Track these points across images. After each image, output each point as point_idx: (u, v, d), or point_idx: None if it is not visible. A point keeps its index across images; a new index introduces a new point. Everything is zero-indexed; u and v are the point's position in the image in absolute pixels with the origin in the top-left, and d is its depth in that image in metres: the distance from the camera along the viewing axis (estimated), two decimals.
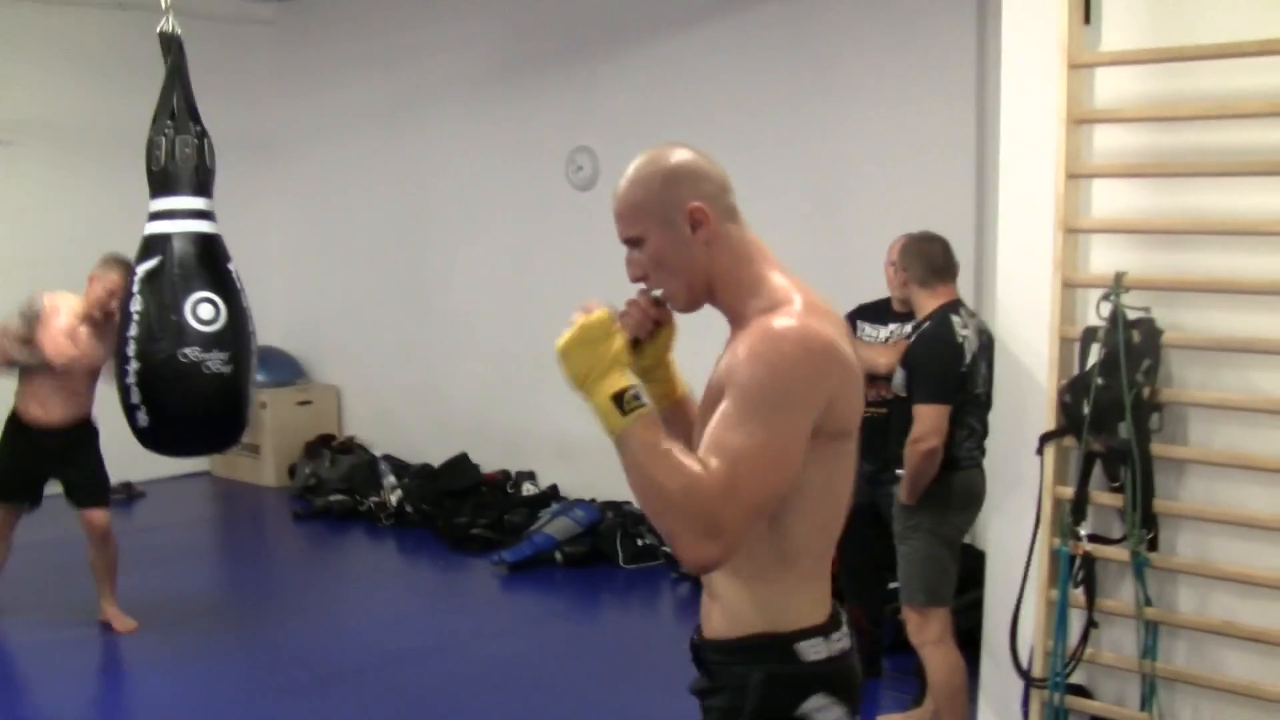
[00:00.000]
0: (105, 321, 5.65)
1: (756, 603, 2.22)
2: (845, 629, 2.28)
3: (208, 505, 9.48)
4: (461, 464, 8.54)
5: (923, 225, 5.18)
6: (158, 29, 5.42)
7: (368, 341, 9.57)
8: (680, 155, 2.29)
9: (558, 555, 7.22)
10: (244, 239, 5.60)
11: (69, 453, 5.93)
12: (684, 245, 2.23)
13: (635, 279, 2.30)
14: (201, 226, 5.27)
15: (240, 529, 8.86)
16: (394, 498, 8.36)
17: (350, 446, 9.34)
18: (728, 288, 2.24)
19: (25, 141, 8.69)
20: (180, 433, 5.14)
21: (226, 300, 5.01)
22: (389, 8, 9.14)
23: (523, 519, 7.64)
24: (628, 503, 7.51)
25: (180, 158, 5.34)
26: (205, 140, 5.40)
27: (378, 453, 9.22)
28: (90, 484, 6.01)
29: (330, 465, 9.00)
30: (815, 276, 6.32)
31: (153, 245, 5.06)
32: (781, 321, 2.10)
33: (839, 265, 6.62)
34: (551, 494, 8.03)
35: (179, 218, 5.20)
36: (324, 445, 9.35)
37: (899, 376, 4.59)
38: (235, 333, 4.94)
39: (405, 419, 9.33)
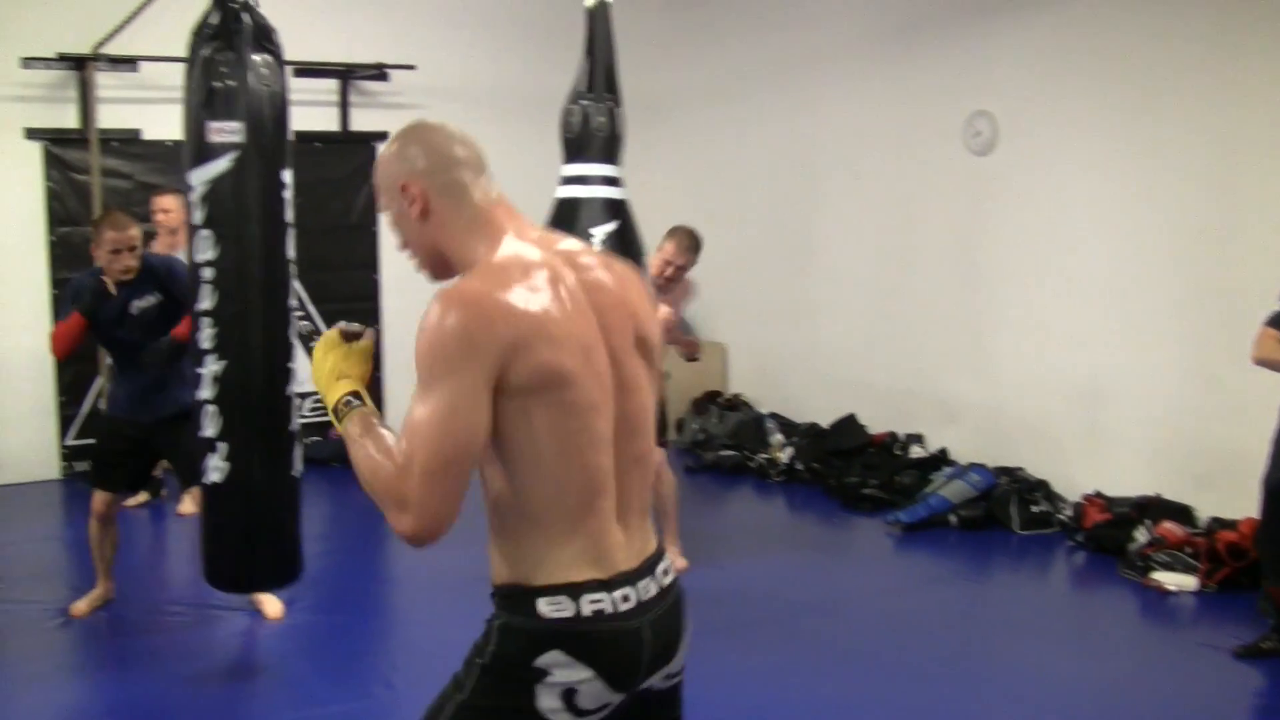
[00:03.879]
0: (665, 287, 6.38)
1: (505, 558, 2.29)
2: (621, 594, 2.29)
3: None
4: (849, 424, 8.77)
5: None
6: (586, 3, 5.85)
7: (753, 300, 9.89)
8: (410, 132, 2.40)
9: (952, 518, 7.43)
10: (630, 197, 6.00)
11: None
12: (404, 218, 2.37)
13: (399, 249, 2.45)
14: (609, 193, 5.78)
15: None
16: (785, 455, 8.68)
17: (736, 404, 9.74)
18: (454, 263, 2.35)
19: (437, 106, 9.35)
20: None
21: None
22: None
23: (913, 481, 7.85)
24: (1021, 468, 7.64)
25: (594, 127, 5.82)
26: (619, 110, 5.85)
27: (763, 410, 9.54)
28: None
29: (718, 421, 9.38)
30: (1232, 248, 6.19)
31: (610, 209, 5.58)
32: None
33: (1259, 236, 6.53)
34: (941, 457, 8.17)
35: (582, 183, 5.72)
36: (711, 401, 9.75)
37: None
38: None
39: (789, 378, 9.62)
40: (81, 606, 5.90)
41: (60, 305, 8.36)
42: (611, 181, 6.00)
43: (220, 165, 4.58)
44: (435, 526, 2.12)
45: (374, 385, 9.60)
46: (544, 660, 2.22)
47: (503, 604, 2.30)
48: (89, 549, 5.98)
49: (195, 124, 4.60)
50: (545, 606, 2.23)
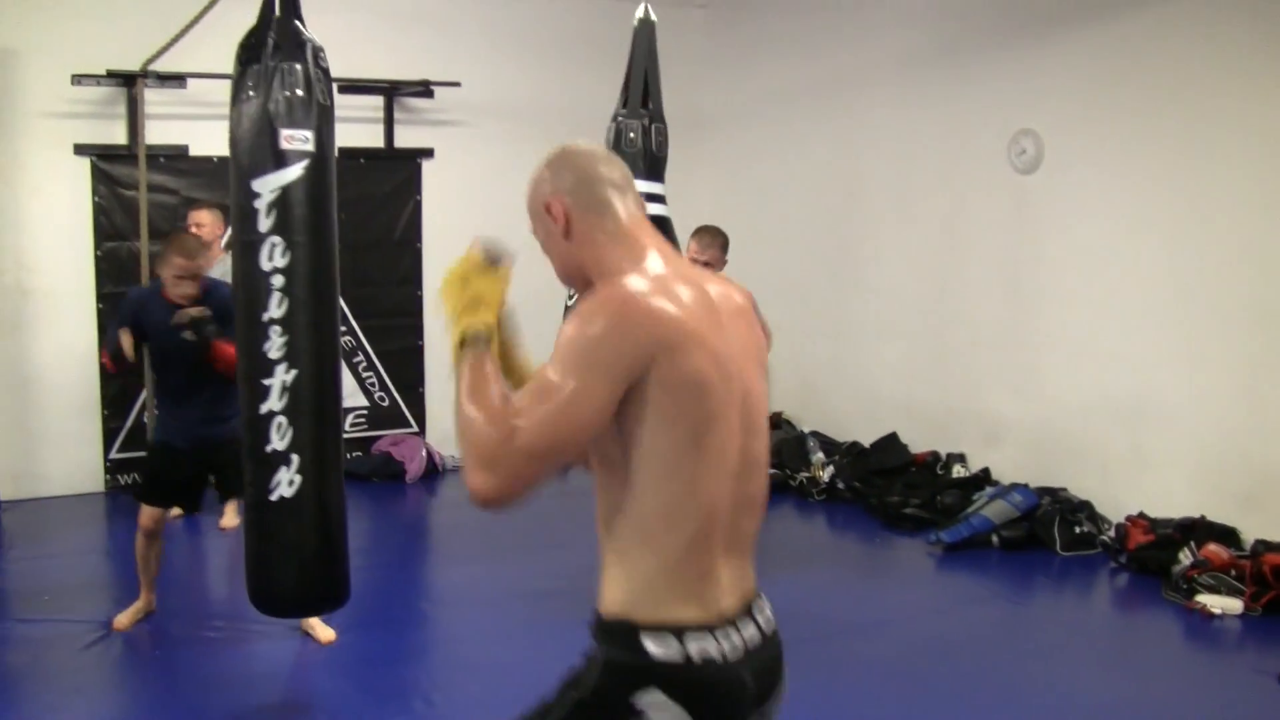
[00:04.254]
0: None
1: (618, 582, 2.26)
2: (729, 637, 2.27)
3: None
4: (891, 443, 8.76)
5: None
6: (636, 16, 5.86)
7: (794, 318, 9.86)
8: (555, 152, 2.44)
9: (994, 538, 7.42)
10: (674, 214, 5.98)
11: None
12: (551, 237, 2.41)
13: (557, 273, 2.47)
14: (652, 209, 5.72)
15: None
16: (826, 473, 8.66)
17: (778, 422, 9.73)
18: (598, 280, 2.32)
19: (482, 123, 9.42)
20: None
21: None
22: None
23: (955, 500, 7.83)
24: (1064, 489, 7.61)
25: (624, 143, 5.80)
26: (657, 126, 5.82)
27: (805, 429, 9.54)
28: None
29: None
30: None
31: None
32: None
33: None
34: (984, 477, 8.15)
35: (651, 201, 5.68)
36: None
37: None
38: None
39: (831, 396, 9.62)
40: (123, 619, 5.95)
41: (108, 321, 8.49)
42: (653, 198, 6.00)
43: (293, 173, 4.52)
44: (513, 498, 2.14)
45: (418, 399, 9.66)
46: (644, 700, 2.19)
47: (607, 638, 2.27)
48: (132, 562, 6.04)
49: (265, 131, 4.53)
50: (653, 645, 2.20)
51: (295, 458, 4.61)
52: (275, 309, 4.57)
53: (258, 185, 4.55)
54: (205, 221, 7.58)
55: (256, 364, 4.62)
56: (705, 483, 2.21)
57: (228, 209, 7.98)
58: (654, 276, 2.26)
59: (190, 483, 5.93)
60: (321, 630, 5.82)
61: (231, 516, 7.56)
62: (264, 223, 4.54)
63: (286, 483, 4.61)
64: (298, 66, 4.58)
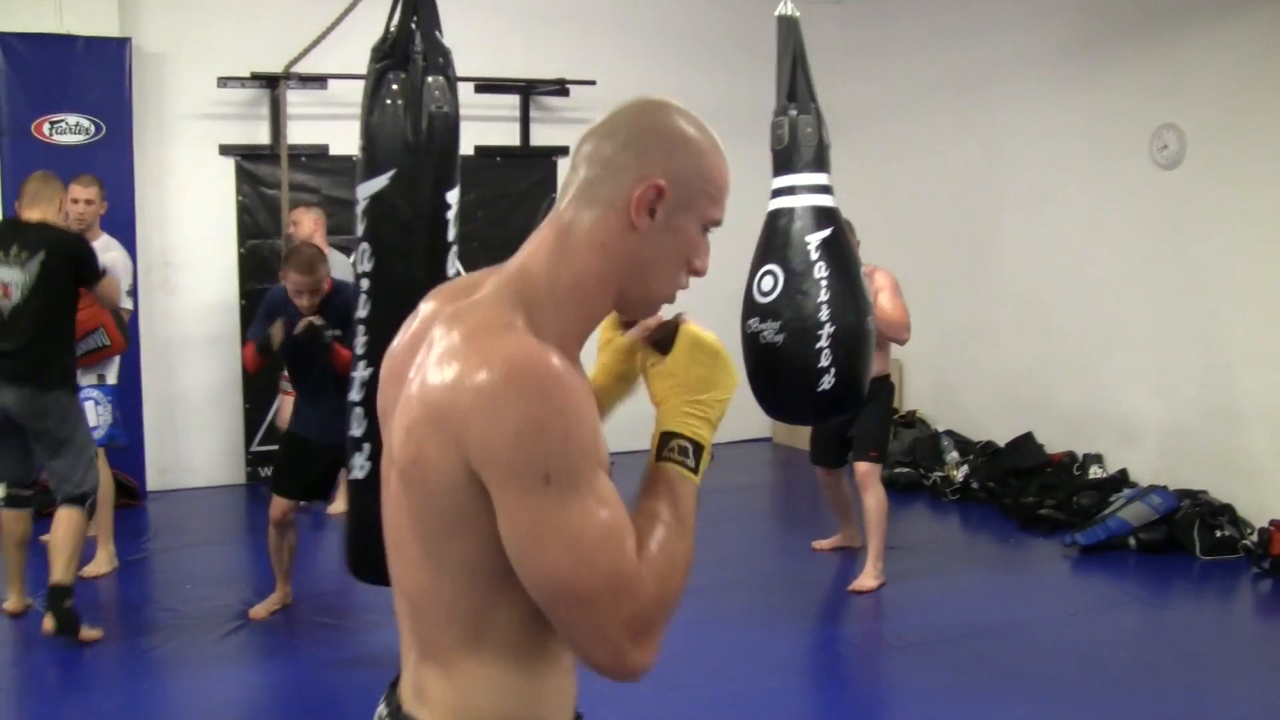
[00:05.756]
0: None
1: None
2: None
3: (767, 470, 10.06)
4: (1027, 443, 8.64)
5: None
6: (776, 13, 5.82)
7: (930, 315, 9.73)
8: None
9: (1131, 541, 7.27)
10: None
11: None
12: None
13: None
14: (799, 201, 5.63)
15: (798, 495, 9.25)
16: (960, 473, 8.56)
17: (912, 420, 9.66)
18: None
19: None
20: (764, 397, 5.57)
21: (789, 273, 5.29)
22: None
23: (1092, 502, 7.70)
24: (1204, 491, 7.45)
25: (784, 140, 5.73)
26: (813, 118, 5.73)
27: (939, 428, 9.43)
28: (861, 436, 6.64)
29: (893, 438, 9.27)
30: None
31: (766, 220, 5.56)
32: None
33: None
34: (1121, 478, 7.98)
35: (790, 194, 5.61)
36: None
37: None
38: (790, 305, 5.20)
39: (967, 395, 9.51)
40: (259, 610, 6.08)
41: (252, 318, 8.65)
42: (821, 189, 5.74)
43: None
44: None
45: None
46: None
47: None
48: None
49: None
50: None
51: (367, 445, 4.70)
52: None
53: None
54: (298, 219, 7.80)
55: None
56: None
57: (326, 209, 8.12)
58: None
59: (321, 475, 6.05)
60: None
61: (340, 502, 7.67)
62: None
63: (359, 466, 4.72)
64: (445, 80, 4.64)
